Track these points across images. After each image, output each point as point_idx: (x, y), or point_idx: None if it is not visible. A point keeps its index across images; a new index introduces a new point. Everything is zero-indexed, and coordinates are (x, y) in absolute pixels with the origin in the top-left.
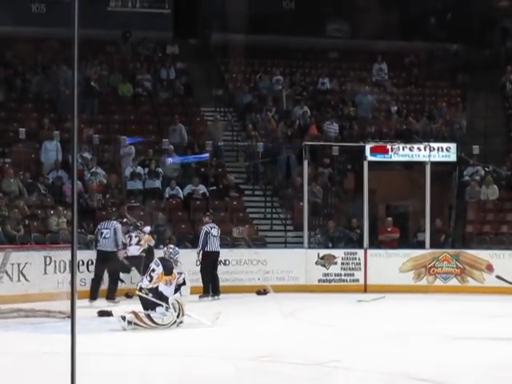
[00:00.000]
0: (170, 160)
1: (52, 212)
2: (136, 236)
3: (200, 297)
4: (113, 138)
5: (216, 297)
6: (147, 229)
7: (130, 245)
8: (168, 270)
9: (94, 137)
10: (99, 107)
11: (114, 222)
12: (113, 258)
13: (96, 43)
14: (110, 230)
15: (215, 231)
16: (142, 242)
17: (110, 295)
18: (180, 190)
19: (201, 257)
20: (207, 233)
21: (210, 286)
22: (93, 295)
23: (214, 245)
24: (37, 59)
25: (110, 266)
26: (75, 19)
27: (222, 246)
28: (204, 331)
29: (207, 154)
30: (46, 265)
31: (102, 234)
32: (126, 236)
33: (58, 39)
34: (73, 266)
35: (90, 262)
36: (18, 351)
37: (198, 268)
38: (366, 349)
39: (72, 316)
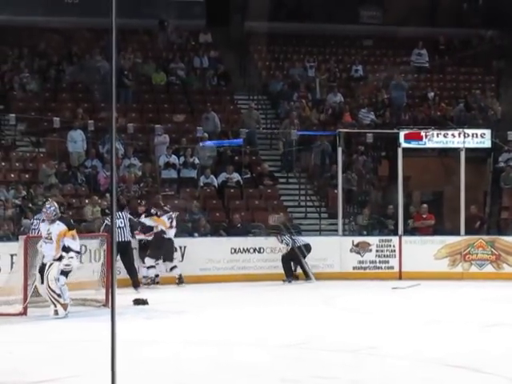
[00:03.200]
0: (203, 144)
1: (87, 201)
2: (169, 218)
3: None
4: (147, 126)
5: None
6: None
7: (172, 227)
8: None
9: (129, 126)
10: (133, 96)
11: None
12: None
13: (129, 32)
14: (125, 219)
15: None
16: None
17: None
18: (214, 179)
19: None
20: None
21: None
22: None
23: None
24: (71, 49)
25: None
26: (113, 8)
27: (257, 233)
28: (239, 319)
29: (241, 139)
30: (81, 254)
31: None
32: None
33: (90, 29)
34: (112, 256)
35: None
36: (55, 339)
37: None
38: (400, 336)
39: (112, 304)
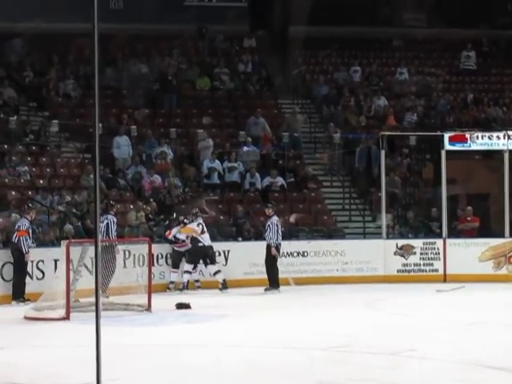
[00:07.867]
0: (247, 148)
1: (131, 206)
2: (198, 225)
3: (266, 289)
4: (191, 131)
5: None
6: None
7: (204, 232)
8: None
9: (171, 131)
10: (177, 101)
11: (109, 215)
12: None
13: (173, 38)
14: (103, 223)
15: (279, 223)
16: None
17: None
18: (259, 178)
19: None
20: (277, 225)
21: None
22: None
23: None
24: (114, 55)
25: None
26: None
27: (301, 237)
28: (282, 322)
29: (285, 144)
30: (125, 259)
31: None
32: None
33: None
34: (96, 260)
35: (168, 256)
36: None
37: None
38: (442, 338)
39: (96, 307)
